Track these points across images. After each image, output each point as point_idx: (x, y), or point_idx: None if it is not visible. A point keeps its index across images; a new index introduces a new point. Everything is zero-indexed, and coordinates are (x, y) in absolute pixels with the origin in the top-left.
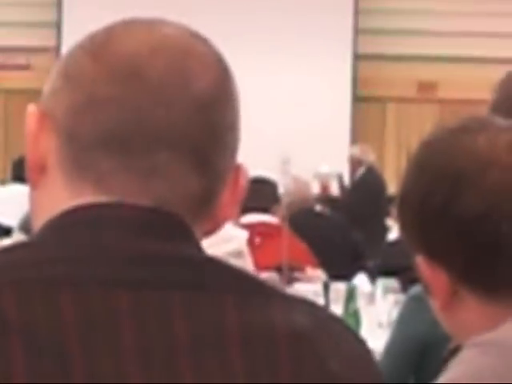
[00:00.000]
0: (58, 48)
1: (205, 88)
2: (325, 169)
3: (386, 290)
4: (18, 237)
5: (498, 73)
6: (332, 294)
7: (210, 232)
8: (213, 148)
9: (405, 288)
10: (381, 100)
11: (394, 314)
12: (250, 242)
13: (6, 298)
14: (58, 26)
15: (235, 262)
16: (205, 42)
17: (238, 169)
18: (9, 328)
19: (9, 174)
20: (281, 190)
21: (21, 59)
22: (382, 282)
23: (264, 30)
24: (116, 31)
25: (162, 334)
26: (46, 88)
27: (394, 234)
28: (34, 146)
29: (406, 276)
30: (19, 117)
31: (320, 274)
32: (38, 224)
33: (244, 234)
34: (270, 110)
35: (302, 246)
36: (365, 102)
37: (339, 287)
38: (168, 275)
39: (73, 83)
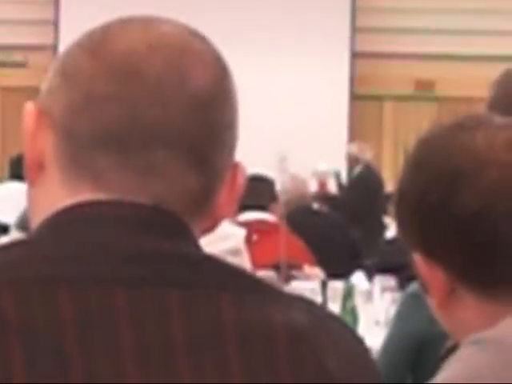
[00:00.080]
0: (55, 46)
1: (203, 86)
2: (322, 167)
3: (384, 288)
4: (15, 235)
5: (495, 71)
6: (330, 292)
7: (208, 230)
8: (211, 146)
9: (402, 286)
10: (378, 98)
11: (392, 311)
12: (248, 239)
13: (3, 297)
14: (55, 24)
15: (232, 259)
16: (203, 39)
17: (235, 167)
18: (7, 327)
19: (6, 171)
20: (278, 187)
21: (18, 57)
22: (379, 280)
23: (262, 28)
24: (113, 29)
25: (160, 332)
26: (44, 86)
27: (391, 231)
28: (32, 144)
29: (403, 274)
30: (16, 115)
31: (318, 272)
32: (35, 222)
33: (241, 232)
34: (268, 107)
35: (299, 244)
36: (362, 100)
37: (337, 285)
38: (166, 273)
39: (70, 81)
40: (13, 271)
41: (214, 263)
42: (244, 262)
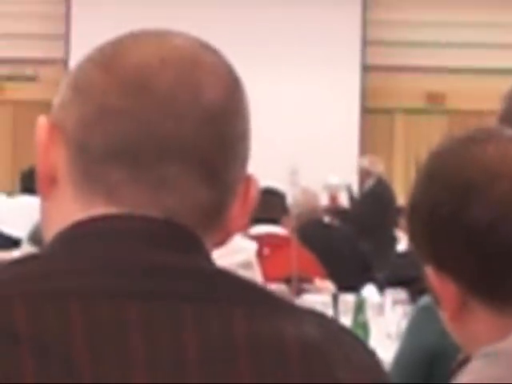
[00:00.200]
0: (65, 60)
1: (215, 99)
2: (334, 180)
3: (395, 301)
4: (27, 248)
5: (506, 83)
6: (341, 305)
7: (220, 243)
8: (223, 159)
9: (414, 299)
10: (389, 111)
11: (403, 325)
12: (259, 253)
13: (16, 310)
14: (66, 38)
15: (244, 273)
16: (214, 52)
17: (248, 179)
18: (19, 340)
19: (17, 185)
20: (289, 201)
21: (29, 71)
22: (390, 293)
23: (273, 40)
24: (125, 43)
25: (172, 345)
26: (56, 100)
27: (402, 245)
28: (44, 158)
29: (414, 287)
30: (27, 128)
31: (329, 286)
32: (49, 235)
33: (253, 246)
34: (279, 120)
35: (310, 258)
36: (373, 113)
37: (348, 298)
38: (178, 287)
39: (83, 95)
40: (25, 284)
41: (225, 277)
42: (255, 275)
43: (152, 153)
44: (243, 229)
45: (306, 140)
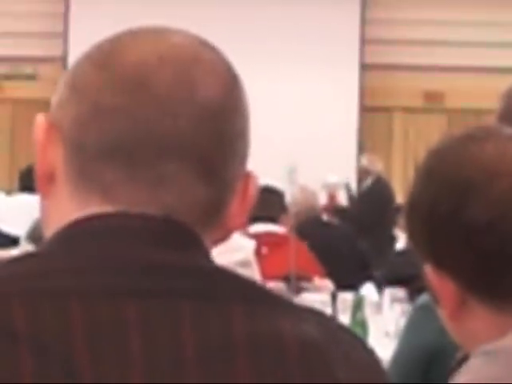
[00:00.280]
0: (64, 58)
1: (213, 97)
2: (332, 179)
3: (393, 300)
4: (25, 246)
5: (505, 82)
6: (339, 304)
7: (220, 240)
8: (221, 156)
9: (412, 297)
10: (388, 110)
11: (402, 323)
12: (258, 252)
13: (15, 308)
14: (64, 36)
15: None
16: (213, 49)
17: (247, 176)
18: (18, 339)
19: (16, 183)
20: (288, 199)
21: (28, 69)
22: (389, 292)
23: (271, 39)
24: (123, 41)
25: (170, 344)
26: (54, 99)
27: (401, 243)
28: (42, 157)
29: (413, 285)
30: (26, 127)
31: (327, 284)
32: (48, 233)
33: (251, 244)
34: (278, 119)
35: (309, 256)
36: (372, 112)
37: (346, 297)
38: (177, 285)
39: (79, 94)
40: (24, 283)
41: (224, 275)
42: (254, 273)
43: (150, 151)
44: (242, 227)
45: (304, 138)
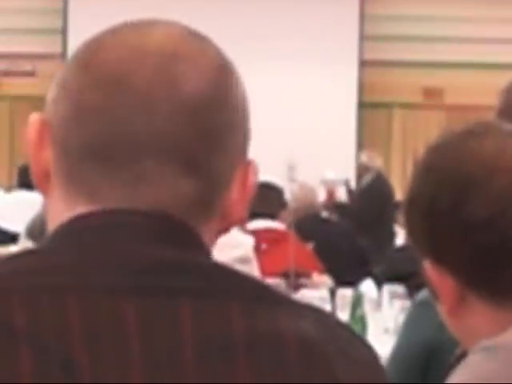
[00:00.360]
0: (63, 55)
1: (194, 92)
2: (331, 175)
3: (393, 296)
4: (24, 243)
5: (503, 78)
6: (338, 300)
7: (224, 230)
8: (204, 150)
9: (411, 294)
10: (387, 106)
11: (401, 319)
12: (257, 248)
13: (15, 306)
14: (63, 32)
15: (241, 267)
16: (200, 41)
17: (247, 165)
18: (17, 335)
19: (15, 180)
20: (287, 195)
21: (26, 66)
22: (388, 288)
23: (270, 35)
24: (105, 38)
25: (169, 343)
26: (48, 97)
27: (400, 239)
28: (35, 156)
29: (412, 282)
30: (24, 123)
31: (326, 280)
32: (50, 230)
33: (250, 240)
34: (277, 116)
35: (308, 252)
36: (371, 108)
37: (346, 293)
38: (176, 283)
39: (64, 93)
40: (24, 279)
41: (224, 272)
42: (253, 270)
43: (127, 151)
44: (243, 219)
45: (303, 135)
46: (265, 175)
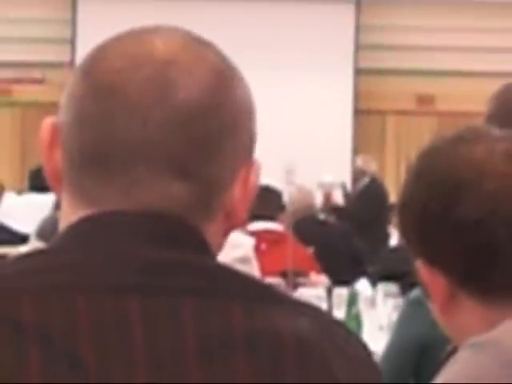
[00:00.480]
0: (72, 63)
1: (189, 99)
2: (328, 178)
3: (387, 295)
4: (34, 244)
5: (493, 86)
6: (335, 299)
7: (230, 229)
8: (199, 157)
9: (404, 292)
10: (381, 113)
11: (394, 317)
12: (257, 248)
13: (23, 303)
14: (72, 42)
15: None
16: (203, 47)
17: (250, 166)
18: (26, 333)
19: (26, 184)
20: (286, 198)
21: (36, 74)
22: (382, 287)
23: (267, 45)
24: (107, 47)
25: (172, 341)
26: (60, 103)
27: (394, 240)
28: (48, 159)
29: (405, 281)
30: (35, 129)
31: (323, 280)
32: (61, 229)
33: (251, 241)
34: (276, 122)
35: (306, 253)
36: (366, 115)
37: (341, 292)
38: (179, 282)
39: (69, 101)
40: (33, 279)
41: (224, 272)
42: (253, 269)
43: (120, 158)
44: (243, 223)
45: (301, 140)
46: (264, 178)
